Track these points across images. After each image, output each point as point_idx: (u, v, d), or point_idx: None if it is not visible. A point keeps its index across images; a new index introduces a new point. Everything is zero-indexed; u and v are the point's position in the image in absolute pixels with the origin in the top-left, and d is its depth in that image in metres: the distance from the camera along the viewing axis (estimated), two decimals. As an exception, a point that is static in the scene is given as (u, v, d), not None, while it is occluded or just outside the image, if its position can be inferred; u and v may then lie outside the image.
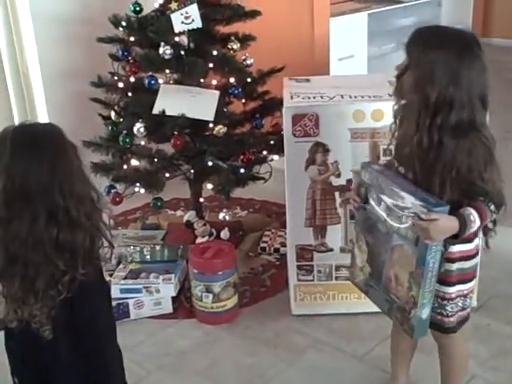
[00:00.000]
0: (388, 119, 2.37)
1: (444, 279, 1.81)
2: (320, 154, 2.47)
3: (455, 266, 1.81)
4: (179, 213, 3.56)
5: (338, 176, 2.51)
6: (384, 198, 1.80)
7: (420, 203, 1.66)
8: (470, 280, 1.87)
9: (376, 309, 2.64)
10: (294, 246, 2.61)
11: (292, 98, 2.50)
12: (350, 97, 2.49)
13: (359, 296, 2.65)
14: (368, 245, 1.93)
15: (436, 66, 1.65)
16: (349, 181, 2.51)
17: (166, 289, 2.70)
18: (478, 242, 1.85)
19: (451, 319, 1.87)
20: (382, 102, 2.43)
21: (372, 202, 1.86)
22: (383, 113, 2.42)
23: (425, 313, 1.75)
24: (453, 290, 1.84)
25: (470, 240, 1.80)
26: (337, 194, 2.53)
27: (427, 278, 1.69)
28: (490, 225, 1.79)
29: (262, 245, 3.20)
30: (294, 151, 2.47)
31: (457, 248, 1.79)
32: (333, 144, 2.46)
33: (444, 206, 1.65)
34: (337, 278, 2.65)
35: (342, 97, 2.49)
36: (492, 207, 1.69)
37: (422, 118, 1.67)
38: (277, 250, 3.15)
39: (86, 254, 1.43)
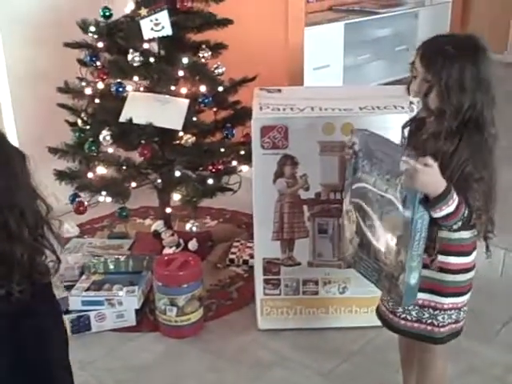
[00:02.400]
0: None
1: (439, 290, 1.81)
2: (289, 166, 2.43)
3: (451, 278, 1.81)
4: (148, 222, 3.50)
5: (307, 189, 2.47)
6: (373, 161, 1.78)
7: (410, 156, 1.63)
8: (465, 293, 1.85)
9: (343, 324, 2.64)
10: (261, 259, 2.57)
11: (261, 109, 2.46)
12: (321, 109, 2.45)
13: (326, 311, 2.64)
14: (357, 214, 1.89)
15: (463, 73, 1.67)
16: (318, 194, 2.48)
17: (129, 301, 2.64)
18: (475, 256, 1.83)
19: (441, 330, 1.85)
20: (352, 116, 2.40)
21: (361, 168, 1.83)
22: (353, 126, 2.38)
23: (413, 278, 1.72)
24: (446, 302, 1.83)
25: (468, 253, 1.81)
26: (305, 207, 2.49)
27: (415, 240, 1.66)
28: (491, 235, 1.81)
29: (231, 256, 3.15)
30: (262, 163, 2.43)
31: (454, 260, 1.79)
32: (302, 157, 2.42)
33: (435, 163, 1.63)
34: (304, 293, 2.61)
35: (313, 109, 2.45)
36: (466, 213, 1.67)
37: (448, 124, 1.70)
38: (245, 262, 3.10)
39: (25, 269, 1.36)
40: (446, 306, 1.83)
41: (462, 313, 1.87)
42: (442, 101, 1.70)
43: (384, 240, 1.79)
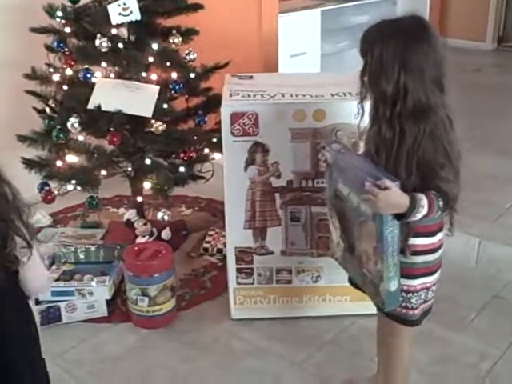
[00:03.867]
0: (329, 119, 2.36)
1: (408, 272, 1.80)
2: (259, 154, 2.39)
3: (420, 259, 1.81)
4: (122, 211, 3.44)
5: (279, 177, 2.43)
6: (344, 175, 1.81)
7: (371, 178, 1.66)
8: (434, 273, 1.86)
9: (316, 313, 2.62)
10: (233, 248, 2.53)
11: (231, 95, 2.42)
12: (292, 95, 2.41)
13: (300, 300, 2.61)
14: (340, 221, 1.92)
15: (383, 58, 1.66)
16: (289, 182, 2.44)
17: (100, 291, 2.60)
18: (442, 235, 1.84)
19: (415, 311, 1.86)
20: (323, 102, 2.36)
21: (336, 180, 1.88)
22: (325, 113, 2.36)
23: (393, 285, 1.75)
24: (417, 283, 1.83)
25: (433, 233, 1.81)
26: (277, 195, 2.46)
27: (388, 253, 1.69)
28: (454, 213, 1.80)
29: (205, 245, 3.12)
30: (232, 151, 2.39)
31: (420, 241, 1.79)
32: (273, 144, 2.38)
33: (395, 181, 1.65)
34: (277, 282, 2.58)
35: (283, 95, 2.41)
36: (440, 203, 1.69)
37: (382, 111, 1.70)
38: (220, 251, 3.07)
39: None
40: (418, 288, 1.84)
41: (430, 292, 1.88)
42: (369, 83, 1.74)
43: (363, 248, 1.80)
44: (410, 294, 1.84)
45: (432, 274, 1.86)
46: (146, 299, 2.51)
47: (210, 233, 3.21)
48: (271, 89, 2.47)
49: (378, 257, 1.73)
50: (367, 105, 1.85)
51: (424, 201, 1.67)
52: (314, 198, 2.46)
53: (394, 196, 1.64)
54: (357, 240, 1.84)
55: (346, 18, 4.93)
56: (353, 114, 2.32)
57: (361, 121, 1.88)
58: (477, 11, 6.85)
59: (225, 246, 3.02)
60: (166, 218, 2.88)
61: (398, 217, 1.69)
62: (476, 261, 3.04)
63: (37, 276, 1.51)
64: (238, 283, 2.58)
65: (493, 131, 4.38)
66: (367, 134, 1.85)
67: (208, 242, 3.13)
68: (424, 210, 1.67)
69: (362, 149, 1.94)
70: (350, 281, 2.06)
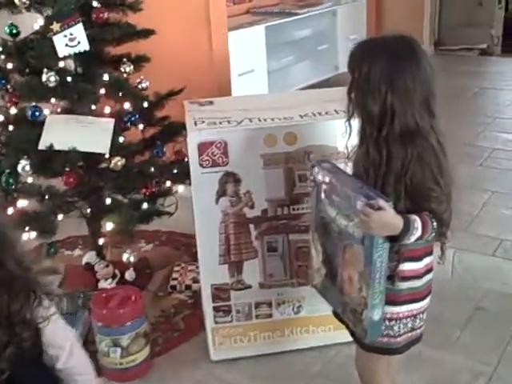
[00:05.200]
0: (301, 142, 2.25)
1: (393, 299, 1.71)
2: (231, 184, 2.25)
3: (405, 285, 1.72)
4: (77, 252, 3.24)
5: (252, 207, 2.29)
6: (333, 196, 1.72)
7: (364, 198, 1.58)
8: (422, 299, 1.77)
9: (300, 346, 2.48)
10: (208, 286, 2.37)
11: (196, 124, 2.27)
12: (260, 120, 2.28)
13: (282, 334, 2.48)
14: (323, 245, 1.82)
15: (371, 78, 1.60)
16: (264, 211, 2.31)
17: (67, 346, 2.38)
18: (429, 260, 1.77)
19: (398, 339, 1.77)
20: (294, 125, 2.25)
21: (323, 201, 1.78)
22: (296, 136, 2.24)
23: (376, 314, 1.66)
24: (401, 310, 1.74)
25: (419, 258, 1.73)
26: (251, 226, 2.32)
27: (375, 278, 1.61)
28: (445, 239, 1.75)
29: (172, 282, 2.94)
30: (202, 183, 2.24)
31: (406, 267, 1.71)
32: (244, 173, 2.25)
33: (389, 201, 1.57)
34: (257, 317, 2.44)
35: (251, 120, 2.28)
36: (434, 224, 1.62)
37: (369, 132, 1.65)
38: (188, 287, 2.90)
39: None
40: (401, 315, 1.75)
41: (418, 320, 1.78)
42: (356, 103, 1.68)
43: (347, 273, 1.70)
44: (393, 322, 1.75)
45: (419, 300, 1.77)
46: (119, 350, 2.32)
47: (176, 268, 3.04)
48: (236, 114, 2.33)
49: (363, 282, 1.64)
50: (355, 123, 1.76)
51: (418, 222, 1.60)
52: (291, 226, 2.33)
53: (388, 216, 1.56)
54: (340, 266, 1.74)
55: (289, 33, 4.88)
56: (324, 134, 2.27)
57: (348, 140, 1.79)
58: (412, 16, 6.91)
59: (193, 282, 2.88)
60: (132, 259, 2.69)
61: (391, 239, 1.60)
62: (451, 272, 2.97)
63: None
64: (216, 322, 2.42)
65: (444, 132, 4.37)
66: (355, 155, 1.77)
67: (175, 279, 2.95)
68: (418, 232, 1.60)
69: (349, 169, 1.82)
70: (335, 312, 1.94)
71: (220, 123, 2.26)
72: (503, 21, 6.95)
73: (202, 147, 2.19)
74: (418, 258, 1.73)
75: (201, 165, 2.21)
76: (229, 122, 2.27)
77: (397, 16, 6.87)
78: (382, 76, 1.59)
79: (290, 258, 2.38)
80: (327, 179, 1.77)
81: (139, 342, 2.36)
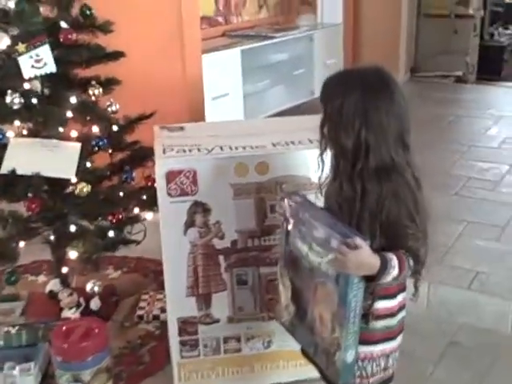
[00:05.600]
0: (273, 172, 2.18)
1: (367, 338, 1.66)
2: (200, 214, 2.17)
3: (380, 324, 1.68)
4: (42, 278, 3.12)
5: (222, 238, 2.22)
6: (304, 231, 1.65)
7: (339, 236, 1.52)
8: (395, 337, 1.72)
9: (270, 381, 2.40)
10: (175, 319, 2.28)
11: (164, 151, 2.19)
12: (231, 148, 2.21)
13: (251, 369, 2.40)
14: (292, 281, 1.75)
15: (344, 112, 1.55)
16: (234, 242, 2.23)
17: (25, 381, 2.27)
18: (403, 297, 1.72)
19: (371, 380, 1.71)
20: (266, 154, 2.18)
21: (293, 236, 1.71)
22: (268, 165, 2.17)
23: (350, 356, 1.59)
24: (375, 350, 1.69)
25: (393, 296, 1.68)
26: (221, 257, 2.24)
27: (350, 319, 1.54)
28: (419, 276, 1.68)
29: (139, 312, 2.84)
30: (170, 213, 2.16)
31: (380, 305, 1.66)
32: (214, 202, 2.17)
33: (366, 240, 1.51)
34: (226, 352, 2.35)
35: (222, 148, 2.21)
36: (411, 262, 1.57)
37: (343, 167, 1.60)
38: (156, 317, 2.80)
39: None
40: (374, 355, 1.69)
41: (391, 359, 1.73)
42: (329, 137, 1.62)
43: (318, 312, 1.63)
44: (366, 362, 1.69)
45: (393, 338, 1.72)
46: (80, 386, 2.21)
47: (144, 297, 2.94)
48: (207, 141, 2.26)
49: (337, 323, 1.57)
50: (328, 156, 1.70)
51: (395, 261, 1.54)
52: (261, 258, 2.26)
53: (365, 256, 1.50)
54: (310, 304, 1.67)
55: (265, 57, 4.84)
56: (297, 165, 2.21)
57: (321, 174, 1.72)
58: (389, 42, 6.95)
59: (161, 312, 2.78)
60: (96, 289, 2.59)
61: (367, 279, 1.54)
62: (426, 305, 2.92)
63: None
64: (182, 357, 2.33)
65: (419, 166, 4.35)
66: (327, 189, 1.71)
67: (142, 308, 2.85)
68: (395, 271, 1.54)
69: (320, 202, 1.76)
70: (303, 351, 1.86)
71: (190, 151, 2.19)
72: (478, 49, 7.02)
73: (171, 176, 2.11)
74: (392, 296, 1.68)
75: (169, 194, 2.13)
76: (199, 149, 2.20)
77: (374, 41, 6.90)
78: (356, 110, 1.54)
79: (261, 291, 2.30)
80: (298, 213, 1.70)
81: (101, 377, 2.25)
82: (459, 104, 6.25)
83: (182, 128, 2.47)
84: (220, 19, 5.03)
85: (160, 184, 2.12)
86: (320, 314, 1.63)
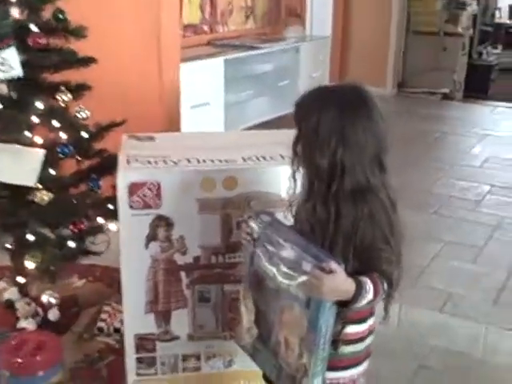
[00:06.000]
0: (241, 187, 2.11)
1: (335, 364, 1.60)
2: (162, 228, 2.10)
3: (348, 349, 1.62)
4: (2, 285, 3.01)
5: (184, 253, 2.14)
6: (273, 251, 1.58)
7: (312, 259, 1.46)
8: (362, 362, 1.68)
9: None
10: (132, 335, 2.20)
11: (129, 162, 2.11)
12: (199, 161, 2.14)
13: (211, 388, 2.31)
14: (256, 303, 1.68)
15: (320, 130, 1.49)
16: (196, 258, 2.16)
17: (-27, 396, 2.19)
18: (373, 321, 1.68)
19: None
20: (234, 168, 2.11)
21: (260, 256, 1.63)
22: (236, 180, 2.10)
23: (317, 382, 1.53)
24: (344, 375, 1.64)
25: (363, 320, 1.64)
26: (183, 273, 2.16)
27: (320, 345, 1.49)
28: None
29: (100, 324, 2.75)
30: (131, 225, 2.08)
31: (350, 330, 1.61)
32: (178, 217, 2.09)
33: (341, 264, 1.45)
34: (184, 370, 2.27)
35: (189, 161, 2.14)
36: (385, 286, 1.52)
37: (317, 187, 1.54)
38: (117, 330, 2.71)
39: None
40: (341, 381, 1.64)
41: None
42: (302, 156, 1.56)
43: (283, 336, 1.56)
44: None
45: (361, 363, 1.67)
46: (29, 402, 2.13)
47: (106, 308, 2.84)
48: (175, 153, 2.19)
49: (305, 349, 1.51)
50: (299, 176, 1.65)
51: (369, 284, 1.48)
52: (225, 275, 2.19)
53: (339, 281, 1.44)
54: (275, 327, 1.61)
55: (249, 67, 4.80)
56: (267, 181, 2.14)
57: (292, 193, 1.67)
58: (376, 57, 6.94)
59: (123, 324, 2.69)
60: (52, 300, 2.50)
61: (340, 304, 1.48)
62: (397, 325, 2.86)
63: None
64: (139, 374, 2.25)
65: (401, 185, 4.29)
66: (299, 209, 1.65)
67: (103, 320, 2.76)
68: (370, 295, 1.49)
69: (289, 222, 1.71)
70: (265, 376, 1.79)
71: (155, 162, 2.11)
72: (466, 67, 7.02)
73: (133, 187, 2.04)
74: (363, 320, 1.64)
75: (131, 206, 2.05)
76: (165, 161, 2.12)
77: (361, 56, 6.90)
78: (333, 128, 1.48)
79: (223, 309, 2.23)
80: (266, 233, 1.63)
81: (53, 393, 2.17)
82: (445, 121, 6.24)
83: (151, 138, 2.40)
84: (205, 28, 4.97)
85: (122, 196, 2.05)
86: (286, 338, 1.57)
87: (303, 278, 1.48)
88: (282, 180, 2.12)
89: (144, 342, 2.21)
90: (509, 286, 3.14)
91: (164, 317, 2.19)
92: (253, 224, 1.68)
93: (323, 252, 1.49)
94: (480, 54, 7.46)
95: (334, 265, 1.43)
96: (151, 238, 2.10)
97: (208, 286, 2.20)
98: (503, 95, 7.06)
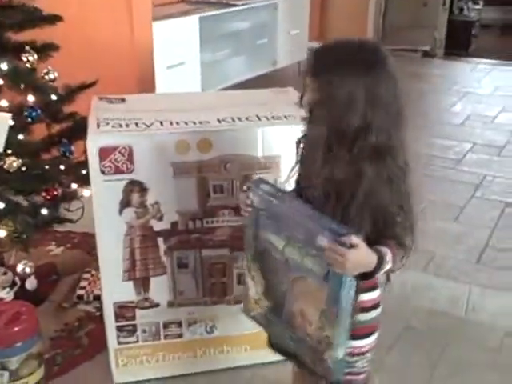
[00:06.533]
0: (216, 150, 2.04)
1: (357, 332, 1.56)
2: (136, 193, 2.02)
3: (368, 316, 1.61)
4: (-22, 255, 2.94)
5: (160, 219, 2.07)
6: (279, 224, 1.51)
7: (328, 233, 1.39)
8: (376, 331, 1.66)
9: (213, 367, 2.29)
10: (111, 304, 2.15)
11: (99, 125, 2.03)
12: (172, 123, 2.06)
13: (194, 354, 2.29)
14: (263, 275, 1.61)
15: (347, 92, 1.41)
16: (174, 223, 2.09)
17: None
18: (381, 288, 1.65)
19: (361, 377, 1.66)
20: (208, 130, 2.03)
21: (264, 228, 1.56)
22: (211, 143, 2.03)
23: (341, 352, 1.50)
24: (364, 344, 1.62)
25: (375, 287, 1.62)
26: (160, 239, 2.10)
27: (342, 317, 1.45)
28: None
29: (79, 292, 2.69)
30: (103, 192, 2.00)
31: (367, 296, 1.59)
32: (152, 182, 2.02)
33: (359, 236, 1.40)
34: (166, 337, 2.23)
35: (162, 124, 2.06)
36: (401, 253, 1.49)
37: (336, 150, 1.46)
38: (97, 298, 2.65)
39: None
40: (363, 350, 1.62)
41: (369, 355, 1.65)
42: (329, 116, 1.45)
43: (298, 307, 1.52)
44: (356, 358, 1.62)
45: (375, 332, 1.65)
46: (6, 374, 2.06)
47: (85, 276, 2.79)
48: (147, 115, 2.11)
49: (327, 321, 1.47)
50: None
51: (389, 255, 1.44)
52: (204, 240, 2.13)
53: (363, 255, 1.40)
54: (286, 299, 1.56)
55: (226, 25, 4.66)
56: (243, 143, 2.07)
57: (297, 160, 1.62)
58: (356, 16, 6.82)
59: (103, 292, 2.64)
60: (27, 270, 2.43)
61: (360, 275, 1.43)
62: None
63: None
64: (120, 343, 2.20)
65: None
66: (305, 176, 1.58)
67: (83, 288, 2.71)
68: (388, 266, 1.45)
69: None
70: (271, 344, 1.75)
71: (127, 126, 2.03)
72: (447, 23, 6.92)
73: (104, 152, 1.95)
74: (375, 287, 1.62)
75: (102, 171, 1.97)
76: (137, 124, 2.04)
77: (341, 13, 6.77)
78: (360, 89, 1.41)
79: (203, 274, 2.17)
80: (270, 204, 1.55)
81: (31, 364, 2.11)
82: (426, 79, 6.17)
83: (123, 100, 2.31)
84: (179, -16, 4.82)
85: (92, 161, 1.96)
86: (301, 310, 1.53)
87: (319, 253, 1.42)
88: (259, 142, 2.06)
89: (124, 310, 2.16)
90: (490, 245, 3.13)
91: (143, 284, 2.14)
92: (253, 196, 1.59)
93: (338, 224, 1.42)
94: (461, 9, 7.34)
95: (355, 239, 1.38)
96: (125, 204, 2.03)
97: (186, 251, 2.14)
98: (485, 52, 6.99)
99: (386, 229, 1.47)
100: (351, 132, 1.43)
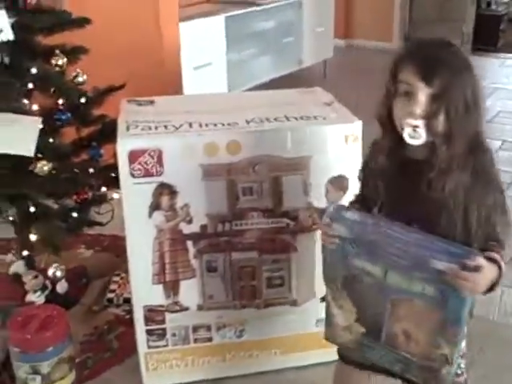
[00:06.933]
0: (246, 151, 2.02)
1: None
2: (166, 196, 2.01)
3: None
4: (10, 257, 2.95)
5: (190, 222, 2.06)
6: (377, 251, 1.46)
7: (445, 256, 1.36)
8: None
9: (242, 371, 2.27)
10: (141, 308, 2.14)
11: (128, 128, 2.02)
12: (201, 125, 2.05)
13: (223, 359, 2.27)
14: (354, 302, 1.57)
15: (469, 89, 1.39)
16: (203, 226, 2.08)
17: (-19, 371, 2.14)
18: None
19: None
20: (238, 132, 2.02)
21: (354, 257, 1.51)
22: (240, 144, 2.01)
23: (457, 367, 1.52)
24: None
25: None
26: (189, 243, 2.09)
27: (461, 336, 1.46)
28: None
29: (109, 295, 2.70)
30: (133, 195, 2.00)
31: None
32: (181, 184, 2.01)
33: (477, 253, 1.37)
34: (195, 341, 2.22)
35: (191, 125, 2.04)
36: (508, 254, 1.45)
37: (461, 158, 1.41)
38: (127, 301, 2.64)
39: None
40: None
41: None
42: (454, 123, 1.39)
43: (401, 329, 1.49)
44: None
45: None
46: (38, 378, 2.07)
47: (115, 279, 2.79)
48: (176, 117, 2.10)
49: (444, 341, 1.44)
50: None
51: (503, 266, 1.40)
52: (233, 243, 2.11)
53: (490, 275, 1.36)
54: (383, 321, 1.52)
55: (251, 24, 4.64)
56: (272, 144, 2.05)
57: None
58: (382, 11, 6.76)
59: (132, 295, 2.64)
60: (58, 273, 2.44)
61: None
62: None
63: None
64: (150, 347, 2.20)
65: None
66: (389, 189, 1.53)
67: (112, 291, 2.71)
68: (502, 274, 1.41)
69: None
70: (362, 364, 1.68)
71: (156, 128, 2.02)
72: (475, 17, 6.81)
73: (134, 155, 1.95)
74: None
75: (132, 174, 1.97)
76: (166, 126, 2.03)
77: (366, 8, 6.72)
78: (475, 91, 1.40)
79: (232, 278, 2.16)
80: (364, 232, 1.49)
81: (62, 368, 2.12)
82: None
83: (151, 102, 2.31)
84: (204, -16, 4.81)
85: (122, 164, 1.96)
86: (405, 330, 1.49)
87: (432, 276, 1.38)
88: (288, 142, 2.04)
89: (153, 314, 2.15)
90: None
91: (172, 288, 2.13)
92: (339, 226, 1.51)
93: (452, 244, 1.38)
94: (488, 3, 7.22)
95: (479, 259, 1.34)
96: (155, 207, 2.02)
97: (215, 254, 2.13)
98: (514, 47, 6.87)
99: (489, 231, 1.44)
100: (475, 137, 1.41)
